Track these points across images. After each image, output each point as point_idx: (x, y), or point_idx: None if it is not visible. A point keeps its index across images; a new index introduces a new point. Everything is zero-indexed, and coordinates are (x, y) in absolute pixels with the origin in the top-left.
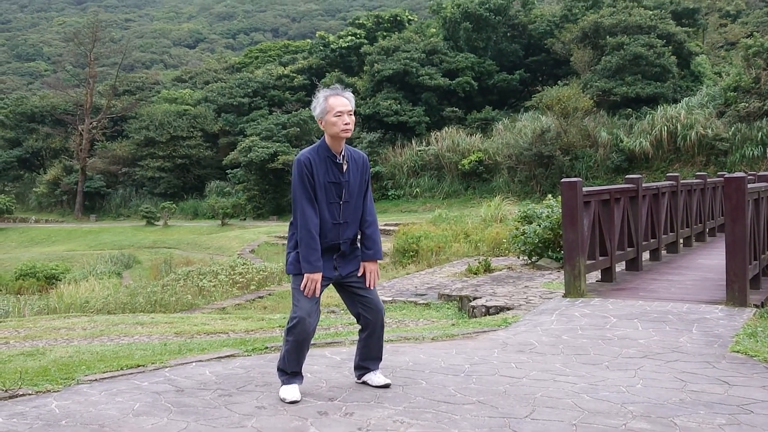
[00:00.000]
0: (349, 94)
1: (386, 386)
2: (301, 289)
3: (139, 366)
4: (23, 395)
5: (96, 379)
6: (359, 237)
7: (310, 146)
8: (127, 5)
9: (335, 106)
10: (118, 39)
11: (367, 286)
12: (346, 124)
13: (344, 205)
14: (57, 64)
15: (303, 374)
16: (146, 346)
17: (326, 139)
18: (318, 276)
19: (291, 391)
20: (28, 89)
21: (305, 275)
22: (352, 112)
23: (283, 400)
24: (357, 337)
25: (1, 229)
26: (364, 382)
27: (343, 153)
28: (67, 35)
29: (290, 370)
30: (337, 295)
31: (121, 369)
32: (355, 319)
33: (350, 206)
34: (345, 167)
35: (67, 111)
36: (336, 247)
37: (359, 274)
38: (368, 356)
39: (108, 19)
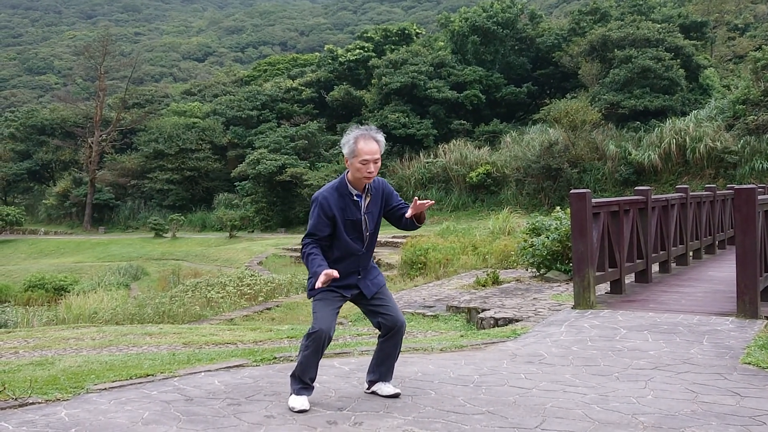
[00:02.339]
0: (380, 137)
1: (395, 396)
2: (316, 284)
3: (148, 375)
4: (33, 404)
5: (105, 388)
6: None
7: (330, 183)
8: (137, 19)
9: (362, 152)
10: (128, 52)
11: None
12: (369, 172)
13: (368, 237)
14: (67, 77)
15: (314, 386)
16: (155, 356)
17: (348, 175)
18: (325, 271)
19: (300, 401)
20: (39, 102)
21: (317, 279)
22: (379, 159)
23: (291, 409)
24: (365, 348)
25: (11, 240)
26: (373, 392)
27: (365, 187)
28: (78, 49)
29: (307, 377)
30: (346, 306)
31: (130, 378)
32: (375, 328)
33: (372, 236)
34: (367, 202)
35: (77, 124)
36: (356, 272)
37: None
38: (383, 361)
39: (118, 33)
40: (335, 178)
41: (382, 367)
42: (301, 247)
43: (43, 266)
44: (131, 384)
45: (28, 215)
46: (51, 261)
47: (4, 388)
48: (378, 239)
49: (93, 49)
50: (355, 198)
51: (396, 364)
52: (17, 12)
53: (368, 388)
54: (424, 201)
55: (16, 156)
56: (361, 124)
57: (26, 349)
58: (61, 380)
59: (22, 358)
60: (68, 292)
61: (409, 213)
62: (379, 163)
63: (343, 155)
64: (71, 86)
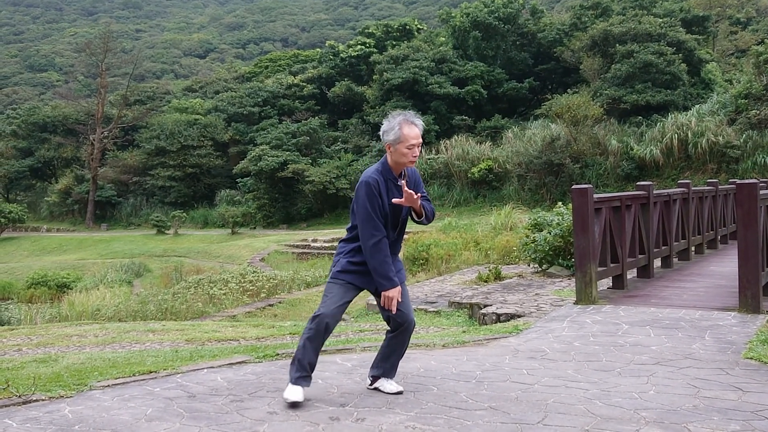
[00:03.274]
0: (420, 122)
1: (398, 393)
2: (384, 305)
3: (151, 372)
4: (37, 401)
5: (108, 385)
6: None
7: (373, 167)
8: (138, 16)
9: (409, 137)
10: (130, 49)
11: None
12: (414, 155)
13: (401, 222)
14: (69, 74)
15: (313, 379)
16: (158, 353)
17: (389, 160)
18: (397, 291)
19: (295, 392)
20: (40, 99)
21: (387, 292)
22: (421, 143)
23: (285, 399)
24: (367, 344)
25: (14, 238)
26: (376, 389)
27: (401, 172)
28: (79, 46)
29: (306, 361)
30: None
31: (134, 375)
32: (385, 321)
33: (404, 222)
34: (404, 185)
35: (79, 121)
36: None
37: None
38: (388, 357)
39: (119, 30)
40: (337, 174)
41: (386, 363)
42: (363, 237)
43: (45, 263)
44: (134, 381)
45: (31, 212)
46: (53, 258)
47: (8, 386)
48: None
49: (94, 46)
50: (396, 183)
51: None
52: (18, 9)
53: (371, 384)
54: (409, 191)
55: (18, 153)
56: (363, 120)
57: (29, 346)
58: (64, 377)
59: (26, 355)
60: (71, 289)
61: (395, 201)
62: (420, 147)
63: (383, 142)
64: (73, 83)
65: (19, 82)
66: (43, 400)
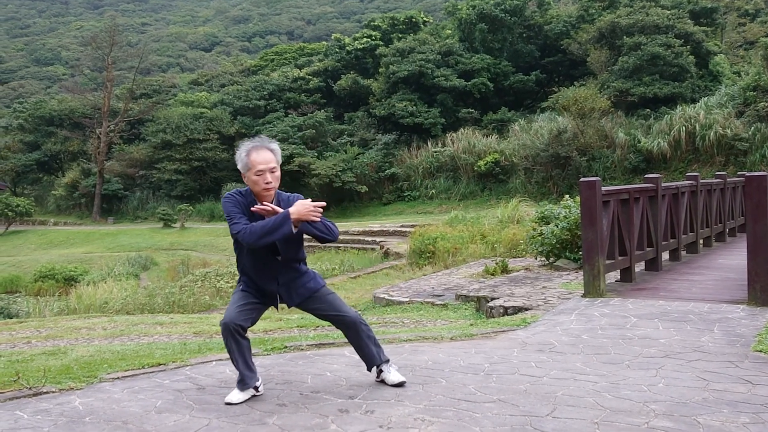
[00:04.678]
0: (275, 146)
1: (401, 384)
2: (310, 219)
3: (160, 364)
4: (47, 393)
5: (118, 377)
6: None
7: (237, 189)
8: (143, 9)
9: (257, 163)
10: (135, 43)
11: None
12: (267, 183)
13: (284, 244)
14: (75, 68)
15: (322, 372)
16: (166, 346)
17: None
18: (299, 203)
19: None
20: (47, 93)
21: (295, 213)
22: (276, 168)
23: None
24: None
25: (21, 231)
26: (382, 381)
27: (273, 202)
28: (85, 39)
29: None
30: (355, 295)
31: (143, 367)
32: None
33: (291, 245)
34: (261, 209)
35: (85, 114)
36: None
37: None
38: (360, 349)
39: (125, 24)
40: (343, 168)
41: (362, 354)
42: (236, 235)
43: (53, 257)
44: (143, 373)
45: (38, 206)
46: (61, 251)
47: (19, 378)
48: (386, 228)
49: (100, 40)
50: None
51: (406, 353)
52: (24, 3)
53: (377, 377)
54: (310, 203)
55: (24, 147)
56: (369, 113)
57: (39, 338)
58: (74, 369)
59: (35, 347)
60: (78, 282)
61: (292, 209)
62: (278, 173)
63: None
64: (79, 77)
65: (26, 76)
66: (53, 392)
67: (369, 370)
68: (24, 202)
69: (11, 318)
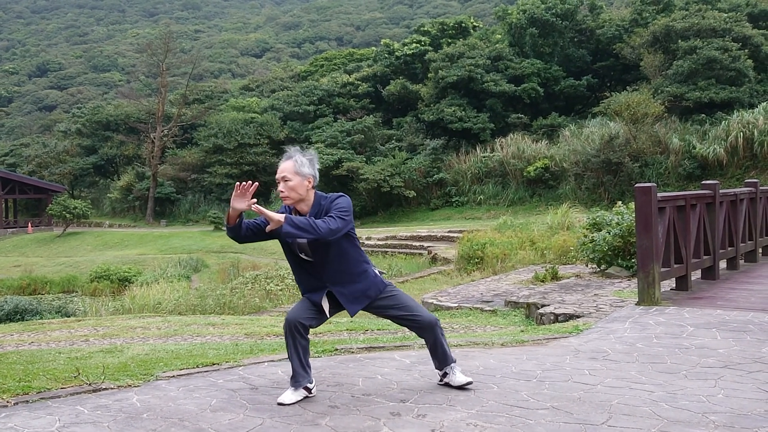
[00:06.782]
0: (300, 157)
1: (468, 384)
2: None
3: (213, 364)
4: (106, 389)
5: (173, 376)
6: None
7: None
8: (197, 17)
9: (277, 172)
10: (189, 49)
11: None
12: (280, 191)
13: (313, 248)
14: (131, 74)
15: (372, 375)
16: (219, 346)
17: None
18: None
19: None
20: (104, 99)
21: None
22: (289, 178)
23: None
24: (425, 341)
25: (78, 233)
26: (446, 384)
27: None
28: (141, 46)
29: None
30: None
31: (197, 366)
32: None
33: (323, 257)
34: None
35: (140, 119)
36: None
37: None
38: (434, 350)
39: (179, 31)
40: (391, 172)
41: (434, 356)
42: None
43: (108, 258)
44: (198, 372)
45: (94, 208)
46: (115, 253)
47: (79, 374)
48: (434, 233)
49: (155, 47)
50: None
51: (457, 358)
52: (83, 11)
53: (440, 380)
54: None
55: (82, 151)
56: (418, 118)
57: (96, 336)
58: (131, 367)
59: (93, 345)
60: (132, 283)
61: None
62: (292, 183)
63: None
64: (134, 83)
65: (84, 82)
66: (111, 388)
67: (440, 370)
68: (81, 204)
69: (69, 317)
